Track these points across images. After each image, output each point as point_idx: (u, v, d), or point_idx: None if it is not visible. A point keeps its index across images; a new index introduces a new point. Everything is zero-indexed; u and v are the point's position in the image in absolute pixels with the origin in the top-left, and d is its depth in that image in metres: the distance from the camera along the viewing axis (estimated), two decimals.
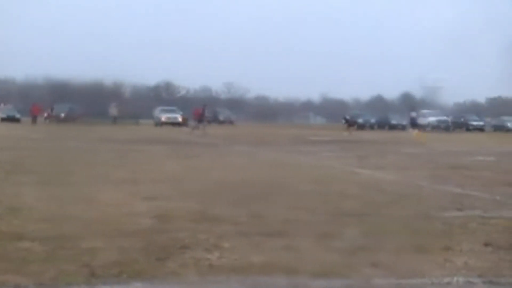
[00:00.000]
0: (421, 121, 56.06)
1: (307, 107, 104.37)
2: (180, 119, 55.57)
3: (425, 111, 63.89)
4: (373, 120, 64.29)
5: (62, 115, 57.32)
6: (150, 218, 7.27)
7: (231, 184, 10.75)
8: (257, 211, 7.81)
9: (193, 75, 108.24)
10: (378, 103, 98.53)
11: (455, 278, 5.04)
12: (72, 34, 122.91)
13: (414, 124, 37.38)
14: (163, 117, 55.92)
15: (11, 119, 55.62)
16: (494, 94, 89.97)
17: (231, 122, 65.36)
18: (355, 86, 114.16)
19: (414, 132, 34.63)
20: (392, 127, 62.42)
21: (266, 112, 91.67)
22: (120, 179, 11.04)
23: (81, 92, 70.57)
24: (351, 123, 46.77)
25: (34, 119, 52.33)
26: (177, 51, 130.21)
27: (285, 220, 7.24)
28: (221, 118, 66.99)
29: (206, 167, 14.29)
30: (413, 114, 39.04)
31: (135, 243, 5.94)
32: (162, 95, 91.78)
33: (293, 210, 7.93)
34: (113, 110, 54.69)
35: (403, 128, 59.23)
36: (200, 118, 39.95)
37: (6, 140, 24.58)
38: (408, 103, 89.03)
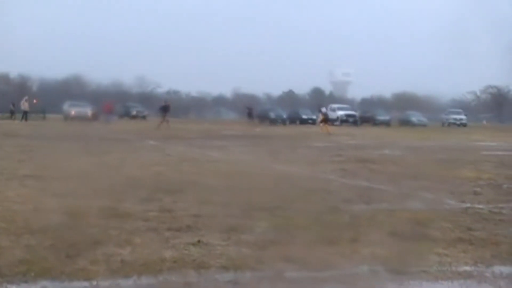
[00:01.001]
0: (330, 115, 57.36)
1: (219, 102, 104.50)
2: (90, 114, 54.60)
3: (334, 105, 65.32)
4: (284, 115, 65.07)
5: None
6: (59, 215, 7.11)
7: (142, 180, 10.65)
8: (168, 207, 7.78)
9: (104, 69, 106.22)
10: (289, 98, 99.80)
11: (363, 269, 5.20)
12: None
13: (327, 119, 38.45)
14: (73, 112, 54.78)
15: None
16: (399, 89, 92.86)
17: (143, 117, 64.67)
18: (267, 81, 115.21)
19: (324, 127, 35.93)
20: (303, 122, 63.46)
21: (178, 107, 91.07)
22: (27, 175, 10.73)
23: None
24: (250, 114, 45.51)
25: None
26: (88, 44, 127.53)
27: (196, 215, 7.24)
28: (133, 113, 66.19)
29: (117, 163, 14.08)
30: (323, 109, 39.90)
31: (44, 241, 5.81)
32: (72, 89, 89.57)
33: (204, 205, 7.93)
34: (24, 105, 52.84)
35: (313, 122, 60.36)
36: (165, 113, 39.32)
37: None
38: (318, 97, 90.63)
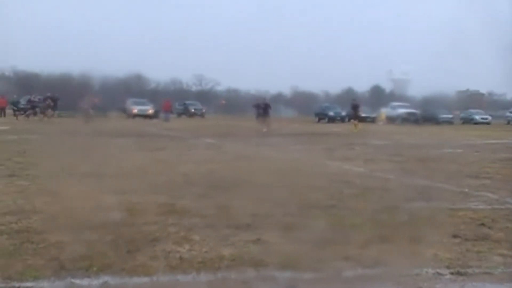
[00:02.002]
0: (391, 113, 56.76)
1: (278, 100, 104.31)
2: (151, 111, 55.33)
3: (394, 103, 64.40)
4: (343, 113, 64.38)
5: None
6: (118, 211, 7.21)
7: (198, 177, 10.72)
8: (225, 204, 7.81)
9: (164, 68, 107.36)
10: (348, 96, 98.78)
11: (424, 270, 5.10)
12: (40, 26, 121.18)
13: (356, 115, 37.96)
14: (135, 109, 55.62)
15: None
16: (462, 87, 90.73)
17: (202, 115, 65.16)
18: (325, 79, 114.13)
19: (355, 123, 35.67)
20: (362, 120, 62.60)
21: (236, 105, 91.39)
22: (86, 173, 10.91)
23: (48, 84, 69.56)
24: (262, 113, 40.21)
25: (2, 112, 51.45)
26: (147, 43, 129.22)
27: (253, 213, 7.24)
28: (192, 110, 66.75)
29: (173, 160, 14.24)
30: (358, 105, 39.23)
31: (104, 237, 5.91)
32: (132, 87, 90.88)
33: (260, 203, 7.92)
34: (86, 103, 53.60)
35: (372, 120, 59.69)
36: (265, 114, 36.70)
37: None
38: (378, 96, 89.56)
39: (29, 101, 46.64)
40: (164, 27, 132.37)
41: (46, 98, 45.28)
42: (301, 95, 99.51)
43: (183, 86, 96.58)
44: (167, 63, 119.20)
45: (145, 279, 4.76)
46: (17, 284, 4.57)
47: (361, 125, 37.30)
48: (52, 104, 45.50)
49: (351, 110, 39.47)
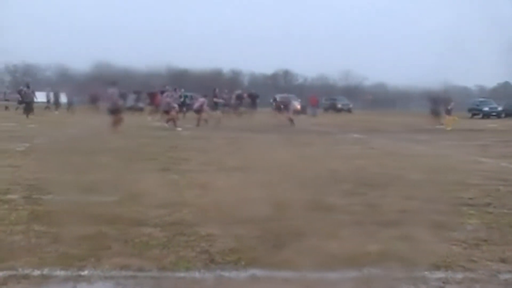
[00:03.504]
0: None
1: (427, 95, 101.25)
2: (298, 107, 55.54)
3: None
4: (500, 108, 61.14)
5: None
6: (264, 205, 7.27)
7: (345, 173, 10.60)
8: (372, 201, 7.68)
9: (311, 64, 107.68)
10: (505, 90, 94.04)
11: None
12: (192, 25, 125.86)
13: (448, 110, 34.38)
14: (282, 105, 55.98)
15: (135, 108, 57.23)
16: None
17: (349, 110, 64.65)
18: (479, 73, 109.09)
19: (446, 118, 32.25)
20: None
21: (384, 99, 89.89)
22: (234, 167, 11.12)
23: (200, 80, 71.94)
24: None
25: (156, 109, 53.42)
26: (295, 41, 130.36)
27: (401, 210, 7.07)
28: (339, 106, 66.45)
29: (319, 155, 14.21)
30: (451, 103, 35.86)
31: (251, 231, 5.99)
32: (280, 83, 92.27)
33: (409, 200, 7.72)
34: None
35: None
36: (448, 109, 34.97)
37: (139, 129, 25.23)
38: None
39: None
40: (313, 24, 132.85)
41: (238, 94, 44.90)
42: (453, 90, 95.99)
43: (329, 82, 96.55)
44: (314, 60, 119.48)
45: (292, 274, 4.76)
46: (170, 274, 4.74)
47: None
48: (249, 100, 45.46)
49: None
